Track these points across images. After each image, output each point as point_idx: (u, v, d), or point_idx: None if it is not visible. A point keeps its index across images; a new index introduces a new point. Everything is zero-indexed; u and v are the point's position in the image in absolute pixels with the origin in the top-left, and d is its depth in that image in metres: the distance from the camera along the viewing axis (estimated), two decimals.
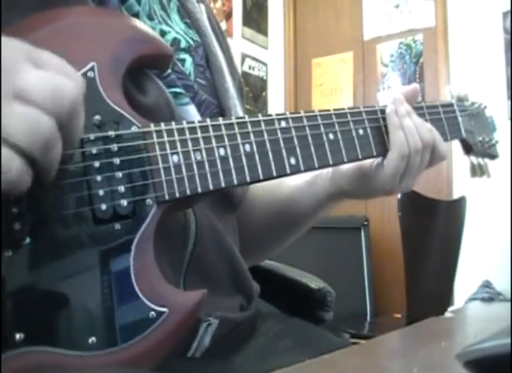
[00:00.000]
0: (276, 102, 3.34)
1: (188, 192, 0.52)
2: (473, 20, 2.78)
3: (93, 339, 0.46)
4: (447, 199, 2.31)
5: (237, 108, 0.71)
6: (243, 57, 3.14)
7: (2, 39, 0.42)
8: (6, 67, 0.40)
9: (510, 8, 2.60)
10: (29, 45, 0.43)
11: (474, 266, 2.48)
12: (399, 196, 1.81)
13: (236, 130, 0.56)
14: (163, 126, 0.52)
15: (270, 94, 3.33)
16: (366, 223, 2.74)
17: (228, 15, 3.06)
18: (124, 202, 0.49)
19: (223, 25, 2.97)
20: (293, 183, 0.78)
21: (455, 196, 2.51)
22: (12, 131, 0.39)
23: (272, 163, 0.58)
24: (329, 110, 0.65)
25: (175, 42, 0.66)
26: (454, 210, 2.03)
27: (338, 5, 3.32)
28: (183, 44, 0.67)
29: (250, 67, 3.19)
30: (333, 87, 3.29)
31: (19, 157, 0.39)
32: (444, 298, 1.99)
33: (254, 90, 3.19)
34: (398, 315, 2.48)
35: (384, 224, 2.86)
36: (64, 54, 0.45)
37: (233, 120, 0.57)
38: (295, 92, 3.40)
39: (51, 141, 0.41)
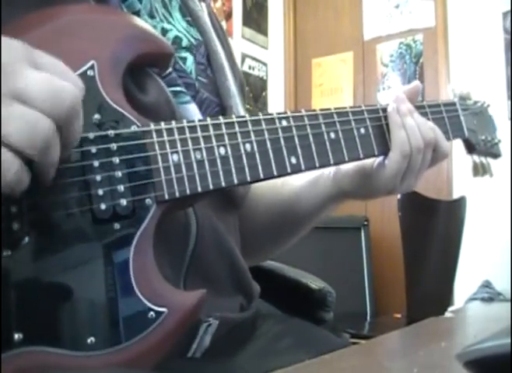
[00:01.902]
0: (276, 102, 3.34)
1: (188, 191, 0.52)
2: (473, 20, 2.78)
3: (92, 339, 0.46)
4: (447, 199, 2.31)
5: (238, 106, 0.70)
6: (243, 57, 3.14)
7: (2, 40, 0.42)
8: (5, 69, 0.40)
9: (510, 8, 2.60)
10: (29, 46, 0.43)
11: (474, 266, 2.48)
12: (399, 196, 1.81)
13: (237, 129, 0.56)
14: (162, 125, 0.52)
15: (270, 94, 3.33)
16: (366, 223, 2.74)
17: (228, 15, 3.06)
18: (124, 201, 0.49)
19: (223, 25, 2.96)
20: (295, 183, 0.77)
21: (455, 196, 2.51)
22: (11, 132, 0.39)
23: (273, 162, 0.57)
24: (330, 109, 0.64)
25: (176, 40, 0.66)
26: (454, 210, 2.02)
27: (338, 5, 3.31)
28: (184, 43, 0.67)
29: (250, 67, 3.19)
30: (333, 87, 3.29)
31: (17, 158, 0.39)
32: (444, 298, 1.99)
33: (254, 90, 3.19)
34: (398, 315, 2.48)
35: (384, 224, 2.86)
36: (63, 52, 0.45)
37: (234, 119, 0.56)
38: (295, 92, 3.39)
39: (50, 143, 0.41)
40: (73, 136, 0.44)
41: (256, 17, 3.27)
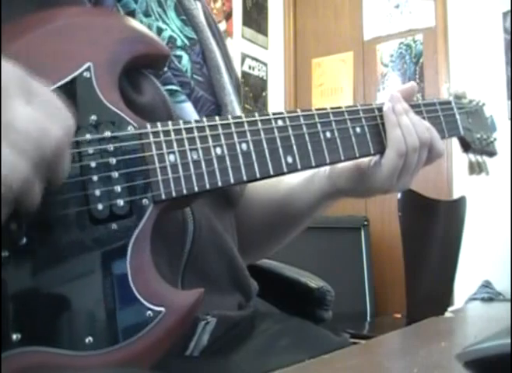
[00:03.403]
0: (276, 102, 3.33)
1: (185, 191, 0.52)
2: (473, 20, 2.78)
3: (90, 338, 0.46)
4: (447, 199, 2.31)
5: (234, 104, 0.70)
6: (243, 57, 3.14)
7: (2, 63, 0.41)
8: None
9: (510, 8, 2.60)
10: (27, 74, 0.43)
11: (474, 266, 2.48)
12: (399, 196, 1.80)
13: (233, 129, 0.56)
14: (159, 126, 0.52)
15: (270, 94, 3.33)
16: (366, 223, 2.74)
17: (228, 15, 3.06)
18: (121, 202, 0.49)
19: (223, 25, 2.97)
20: (291, 181, 0.77)
21: (455, 196, 2.51)
22: None
23: (269, 162, 0.58)
24: (326, 109, 0.64)
25: (171, 40, 0.66)
26: (454, 210, 2.02)
27: (338, 5, 3.31)
28: (179, 42, 0.67)
29: (250, 67, 3.19)
30: (333, 87, 3.28)
31: None
32: (444, 297, 1.99)
33: (254, 90, 3.19)
34: (398, 315, 2.48)
35: (384, 224, 2.86)
36: (60, 54, 0.45)
37: (230, 120, 0.56)
38: (295, 92, 3.39)
39: (27, 186, 0.40)
40: (57, 176, 0.44)
41: (256, 17, 3.27)
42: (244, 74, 3.11)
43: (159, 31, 0.65)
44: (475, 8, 2.78)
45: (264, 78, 3.30)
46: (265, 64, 3.31)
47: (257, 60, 3.25)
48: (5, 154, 0.39)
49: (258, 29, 3.29)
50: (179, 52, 0.67)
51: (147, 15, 0.64)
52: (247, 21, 3.20)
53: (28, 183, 0.40)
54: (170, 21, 0.68)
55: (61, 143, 0.42)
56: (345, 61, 3.25)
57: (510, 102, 2.62)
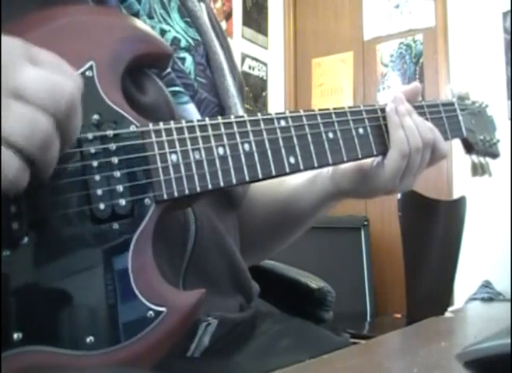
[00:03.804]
0: (276, 102, 3.33)
1: (187, 191, 0.52)
2: (473, 20, 2.78)
3: (91, 338, 0.46)
4: (447, 199, 2.31)
5: (237, 106, 0.70)
6: (243, 57, 3.14)
7: (1, 37, 0.41)
8: (4, 66, 0.40)
9: (510, 8, 2.60)
10: (27, 43, 0.43)
11: (474, 266, 2.48)
12: (399, 196, 1.80)
13: (235, 129, 0.56)
14: (161, 125, 0.52)
15: (270, 94, 3.33)
16: (366, 223, 2.74)
17: (228, 15, 3.06)
18: (123, 201, 0.49)
19: (223, 25, 2.96)
20: (293, 182, 0.77)
21: (455, 196, 2.51)
22: (10, 131, 0.39)
23: (271, 162, 0.57)
24: (329, 109, 0.64)
25: (175, 41, 0.66)
26: (454, 210, 2.02)
27: (338, 5, 3.31)
28: (183, 44, 0.67)
29: (250, 67, 3.19)
30: (333, 87, 3.28)
31: (17, 156, 0.39)
32: (444, 297, 1.99)
33: (254, 90, 3.19)
34: (398, 315, 2.48)
35: (384, 224, 2.86)
36: (62, 53, 0.45)
37: (232, 120, 0.56)
38: (295, 92, 3.39)
39: (49, 141, 0.41)
40: (72, 132, 0.44)
41: (256, 17, 3.27)
42: (244, 74, 3.11)
43: (163, 33, 0.65)
44: (475, 8, 2.78)
45: (264, 78, 3.30)
46: (265, 64, 3.31)
47: (257, 60, 3.25)
48: (23, 112, 0.39)
49: (258, 29, 3.29)
50: (182, 54, 0.67)
51: (150, 16, 0.64)
52: (247, 21, 3.20)
53: (50, 135, 0.41)
54: (173, 23, 0.68)
55: (75, 97, 0.42)
56: (345, 61, 3.25)
57: (510, 102, 2.62)
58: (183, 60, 0.66)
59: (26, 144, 0.39)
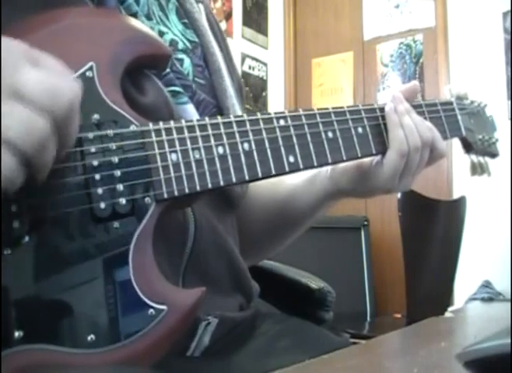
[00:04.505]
0: (276, 102, 3.34)
1: (187, 190, 0.52)
2: (473, 20, 2.78)
3: (92, 336, 0.46)
4: (447, 199, 2.31)
5: (236, 107, 0.70)
6: (243, 57, 3.14)
7: (2, 39, 0.42)
8: (5, 66, 0.40)
9: (510, 8, 2.60)
10: (28, 45, 0.43)
11: (474, 266, 2.48)
12: (399, 196, 1.80)
13: (235, 128, 0.56)
14: (161, 125, 0.52)
15: (270, 94, 3.33)
16: (366, 223, 2.74)
17: (228, 15, 3.06)
18: (123, 200, 0.49)
19: (223, 25, 2.97)
20: (292, 182, 0.77)
21: (455, 196, 2.51)
22: (8, 130, 0.39)
23: (271, 161, 0.58)
24: (328, 108, 0.65)
25: (173, 43, 0.66)
26: (454, 210, 2.02)
27: (338, 5, 3.31)
28: (180, 46, 0.67)
29: (250, 68, 3.19)
30: (333, 87, 3.29)
31: (13, 155, 0.40)
32: (444, 297, 1.99)
33: (254, 90, 3.19)
34: (398, 315, 2.48)
35: (384, 224, 2.86)
36: (63, 54, 0.46)
37: (232, 119, 0.56)
38: (295, 92, 3.39)
39: (46, 142, 0.41)
40: (70, 135, 0.44)
41: (256, 17, 3.27)
42: (244, 74, 3.11)
43: (161, 35, 0.65)
44: (475, 8, 2.78)
45: (264, 78, 3.30)
46: (265, 64, 3.31)
47: (257, 60, 3.25)
48: (21, 112, 0.40)
49: (258, 29, 3.29)
50: (180, 55, 0.67)
51: (149, 18, 0.65)
52: (247, 21, 3.20)
53: (46, 138, 0.41)
54: (171, 24, 0.68)
55: (73, 99, 0.43)
56: (345, 61, 3.25)
57: (510, 102, 2.62)
58: (181, 61, 0.66)
59: (21, 143, 0.40)
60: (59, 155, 0.44)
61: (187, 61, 0.67)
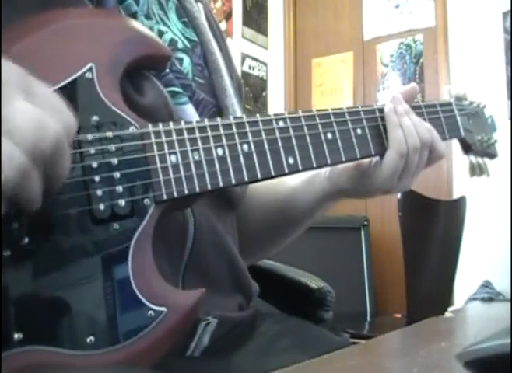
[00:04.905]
0: (276, 102, 3.34)
1: (186, 192, 0.52)
2: (473, 20, 2.78)
3: (92, 338, 0.46)
4: (447, 199, 2.31)
5: (235, 107, 0.71)
6: (243, 57, 3.14)
7: (2, 62, 0.41)
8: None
9: (510, 8, 2.60)
10: (27, 73, 0.42)
11: (474, 266, 2.48)
12: (399, 196, 1.80)
13: (234, 130, 0.56)
14: (160, 126, 0.52)
15: (270, 94, 3.33)
16: (366, 223, 2.74)
17: (228, 15, 3.06)
18: (123, 202, 0.49)
19: (223, 25, 2.97)
20: (291, 182, 0.78)
21: (455, 196, 2.51)
22: None
23: (270, 163, 0.58)
24: (327, 110, 0.65)
25: (172, 42, 0.66)
26: (454, 210, 2.02)
27: (338, 5, 3.31)
28: (180, 45, 0.67)
29: (250, 67, 3.19)
30: (333, 87, 3.29)
31: None
32: (444, 297, 1.99)
33: (254, 90, 3.19)
34: (398, 315, 2.48)
35: (384, 224, 2.86)
36: (62, 55, 0.46)
37: (231, 120, 0.57)
38: (295, 92, 3.39)
39: (23, 179, 0.40)
40: (57, 174, 0.43)
41: (256, 17, 3.27)
42: (244, 74, 3.11)
43: (160, 34, 0.65)
44: (475, 8, 2.78)
45: (264, 78, 3.30)
46: (265, 64, 3.31)
47: (257, 60, 3.25)
48: (5, 145, 0.38)
49: (258, 29, 3.29)
50: (180, 54, 0.67)
51: (148, 17, 0.65)
52: (247, 21, 3.20)
53: (25, 172, 0.40)
54: (171, 23, 0.68)
55: (60, 139, 0.41)
56: (345, 61, 3.25)
57: (510, 102, 2.62)
58: (180, 61, 0.66)
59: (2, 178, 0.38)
60: (50, 189, 0.43)
61: (186, 60, 0.67)
